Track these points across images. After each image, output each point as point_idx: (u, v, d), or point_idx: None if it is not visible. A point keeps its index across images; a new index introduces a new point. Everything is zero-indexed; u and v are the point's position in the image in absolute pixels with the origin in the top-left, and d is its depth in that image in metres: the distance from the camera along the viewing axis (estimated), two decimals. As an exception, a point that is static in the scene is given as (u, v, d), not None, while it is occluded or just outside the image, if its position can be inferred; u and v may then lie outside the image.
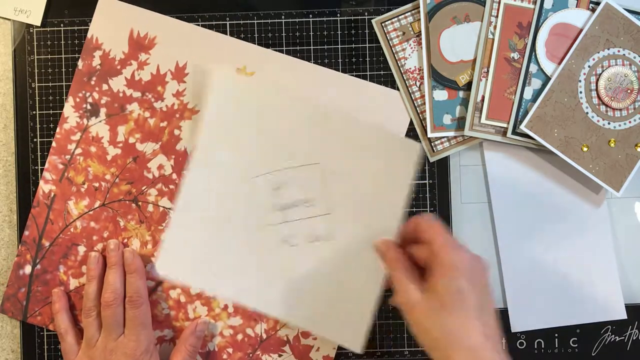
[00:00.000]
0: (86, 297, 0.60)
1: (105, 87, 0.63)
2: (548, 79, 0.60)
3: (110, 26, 0.63)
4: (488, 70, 0.61)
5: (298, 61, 0.63)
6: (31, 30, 0.64)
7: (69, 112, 0.63)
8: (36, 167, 0.64)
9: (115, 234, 0.63)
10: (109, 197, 0.63)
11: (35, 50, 0.64)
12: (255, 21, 0.64)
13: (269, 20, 0.64)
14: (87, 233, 0.63)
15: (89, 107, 0.63)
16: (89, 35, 0.64)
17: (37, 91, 0.64)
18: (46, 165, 0.63)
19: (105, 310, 0.59)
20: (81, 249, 0.63)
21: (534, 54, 0.61)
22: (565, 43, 0.61)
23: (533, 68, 0.61)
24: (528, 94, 0.61)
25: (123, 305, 0.59)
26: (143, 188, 0.63)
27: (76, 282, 0.63)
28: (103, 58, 0.63)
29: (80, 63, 0.63)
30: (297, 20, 0.64)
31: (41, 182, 0.63)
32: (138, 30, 0.63)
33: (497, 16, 0.61)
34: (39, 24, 0.64)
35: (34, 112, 0.64)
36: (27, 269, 0.63)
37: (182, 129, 0.63)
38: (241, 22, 0.64)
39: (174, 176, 0.63)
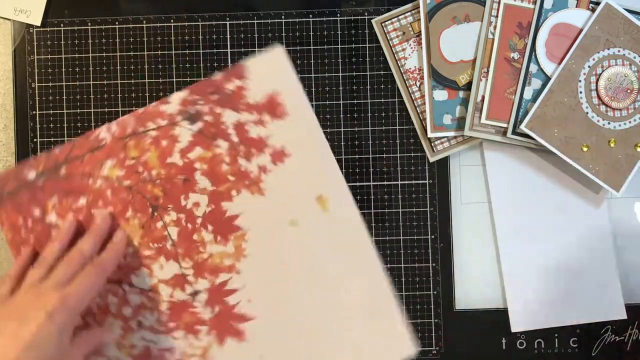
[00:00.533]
0: (47, 250, 0.57)
1: (218, 110, 0.62)
2: (548, 79, 0.60)
3: (266, 70, 0.62)
4: (488, 70, 0.61)
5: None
6: (31, 30, 0.64)
7: (174, 105, 0.62)
8: (36, 167, 0.64)
9: (120, 215, 0.62)
10: (141, 186, 0.62)
11: (35, 50, 0.64)
12: (255, 21, 0.64)
13: (269, 20, 0.64)
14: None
15: (191, 112, 0.62)
16: (247, 62, 0.62)
17: (37, 91, 0.64)
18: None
19: (61, 265, 0.55)
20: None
21: (534, 54, 0.61)
22: (565, 43, 0.61)
23: (533, 68, 0.61)
24: (528, 94, 0.61)
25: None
26: (168, 206, 0.62)
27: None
28: (238, 88, 0.62)
29: (218, 75, 0.62)
30: (297, 20, 0.64)
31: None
32: (281, 94, 0.62)
33: (497, 16, 0.61)
34: (39, 24, 0.64)
35: (34, 112, 0.64)
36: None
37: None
38: (241, 22, 0.64)
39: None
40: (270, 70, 0.62)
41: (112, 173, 0.61)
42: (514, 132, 0.61)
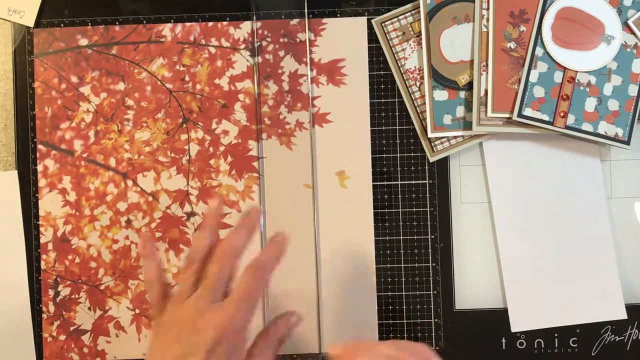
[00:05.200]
0: (194, 246, 0.49)
1: (281, 53, 0.63)
2: (554, 62, 0.60)
3: (342, 35, 0.63)
4: (487, 64, 0.61)
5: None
6: (31, 31, 0.64)
7: (243, 32, 0.63)
8: (36, 167, 0.64)
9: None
10: (181, 95, 0.63)
11: (35, 50, 0.64)
12: (255, 21, 0.64)
13: (269, 20, 0.64)
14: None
15: (256, 44, 0.63)
16: (328, 20, 0.63)
17: (37, 91, 0.64)
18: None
19: (212, 265, 0.47)
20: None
21: (540, 37, 0.60)
22: (571, 27, 0.60)
23: (539, 52, 0.61)
24: (534, 77, 0.60)
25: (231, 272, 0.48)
26: (199, 124, 0.63)
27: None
28: (308, 41, 0.63)
29: (296, 20, 0.62)
30: (297, 20, 0.64)
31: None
32: (346, 63, 0.63)
33: (488, 9, 0.61)
34: (32, 24, 0.64)
35: (34, 112, 0.64)
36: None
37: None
38: (241, 22, 0.64)
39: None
40: (346, 37, 0.62)
41: (159, 71, 0.63)
42: (519, 115, 0.60)
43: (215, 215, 0.50)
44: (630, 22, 0.61)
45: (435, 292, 0.63)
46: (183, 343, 0.45)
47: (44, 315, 0.63)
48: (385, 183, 0.63)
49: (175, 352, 0.45)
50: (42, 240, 0.64)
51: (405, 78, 0.63)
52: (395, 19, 0.63)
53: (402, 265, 0.63)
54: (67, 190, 0.63)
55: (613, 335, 0.63)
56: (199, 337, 0.45)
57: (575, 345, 0.63)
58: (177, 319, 0.47)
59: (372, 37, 0.64)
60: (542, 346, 0.63)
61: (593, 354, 0.63)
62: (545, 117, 0.60)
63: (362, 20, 0.63)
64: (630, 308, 0.62)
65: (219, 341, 0.45)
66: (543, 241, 0.63)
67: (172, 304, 0.48)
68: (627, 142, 0.60)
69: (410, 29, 0.63)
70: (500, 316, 0.63)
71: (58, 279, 0.63)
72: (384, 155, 0.64)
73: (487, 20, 0.61)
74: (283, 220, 0.63)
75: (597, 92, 0.60)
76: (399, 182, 0.64)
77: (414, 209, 0.63)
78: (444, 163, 0.64)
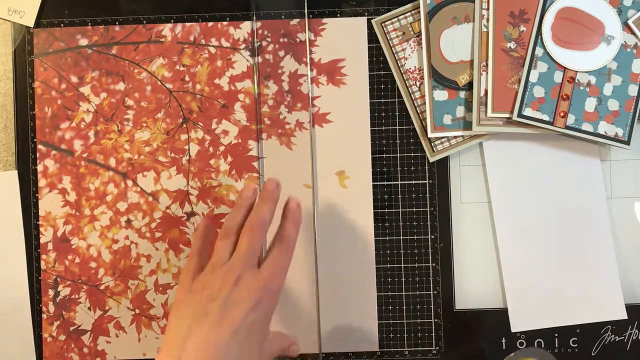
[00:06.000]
0: (229, 219, 0.54)
1: (281, 53, 0.63)
2: (554, 62, 0.60)
3: (342, 35, 0.63)
4: (487, 64, 0.61)
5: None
6: (31, 31, 0.64)
7: (243, 32, 0.63)
8: (36, 167, 0.64)
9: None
10: (181, 95, 0.63)
11: (35, 50, 0.64)
12: (256, 21, 0.64)
13: (269, 20, 0.64)
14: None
15: (255, 44, 0.63)
16: (328, 20, 0.63)
17: (37, 91, 0.64)
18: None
19: (245, 235, 0.52)
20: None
21: (540, 37, 0.60)
22: (571, 27, 0.60)
23: (539, 51, 0.61)
24: (534, 77, 0.61)
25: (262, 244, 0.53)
26: (199, 124, 0.63)
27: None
28: (308, 41, 0.63)
29: (296, 20, 0.62)
30: (297, 20, 0.64)
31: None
32: (346, 63, 0.63)
33: (488, 9, 0.61)
34: (32, 24, 0.64)
35: (34, 112, 0.64)
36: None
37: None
38: (241, 22, 0.64)
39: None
40: (346, 37, 0.62)
41: (159, 71, 0.63)
42: (519, 115, 0.60)
43: (248, 198, 0.54)
44: (630, 22, 0.61)
45: (435, 292, 0.63)
46: (221, 299, 0.49)
47: (44, 315, 0.63)
48: (385, 183, 0.63)
49: (215, 306, 0.49)
50: (42, 240, 0.64)
51: (405, 78, 0.63)
52: (395, 19, 0.63)
53: (402, 265, 0.63)
54: (67, 190, 0.63)
55: (613, 335, 0.63)
56: (239, 295, 0.50)
57: (575, 345, 0.63)
58: (215, 281, 0.51)
59: (372, 37, 0.64)
60: (542, 346, 0.63)
61: (593, 354, 0.63)
62: (545, 117, 0.60)
63: (362, 20, 0.63)
64: (630, 308, 0.62)
65: (260, 301, 0.50)
66: (543, 241, 0.63)
67: (204, 272, 0.52)
68: (627, 142, 0.60)
69: (410, 29, 0.63)
70: (500, 316, 0.63)
71: (58, 279, 0.63)
72: (384, 155, 0.64)
73: (487, 20, 0.61)
74: None
75: (597, 92, 0.60)
76: (399, 182, 0.64)
77: (414, 209, 0.63)
78: (444, 163, 0.64)
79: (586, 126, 0.60)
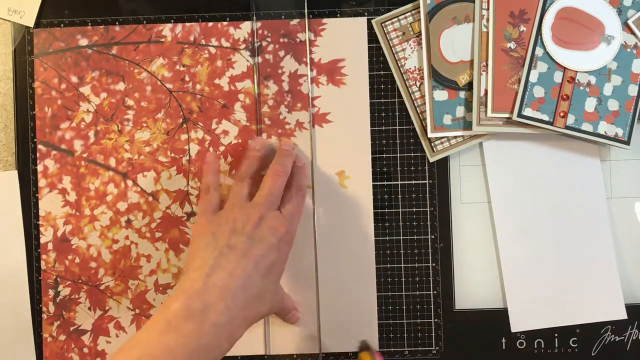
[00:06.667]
0: (244, 166, 0.59)
1: (281, 53, 0.63)
2: (554, 62, 0.60)
3: (342, 35, 0.63)
4: (487, 64, 0.61)
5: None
6: (31, 31, 0.64)
7: (243, 32, 0.64)
8: (36, 167, 0.64)
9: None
10: (181, 95, 0.63)
11: (35, 50, 0.64)
12: (256, 21, 0.64)
13: (269, 20, 0.64)
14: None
15: (255, 44, 0.63)
16: (328, 20, 0.63)
17: (37, 91, 0.64)
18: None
19: (269, 179, 0.58)
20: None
21: (540, 37, 0.60)
22: (571, 27, 0.60)
23: (539, 52, 0.61)
24: (534, 77, 0.61)
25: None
26: (199, 124, 0.63)
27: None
28: (308, 41, 0.63)
29: (296, 20, 0.63)
30: (297, 20, 0.64)
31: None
32: (346, 63, 0.64)
33: (488, 9, 0.61)
34: (32, 24, 0.64)
35: (34, 112, 0.64)
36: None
37: None
38: (241, 22, 0.64)
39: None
40: (346, 37, 0.62)
41: (159, 71, 0.63)
42: (519, 115, 0.60)
43: (259, 151, 0.59)
44: (630, 22, 0.61)
45: (435, 292, 0.63)
46: (246, 235, 0.54)
47: (44, 316, 0.63)
48: (385, 183, 0.63)
49: (240, 240, 0.54)
50: (42, 240, 0.64)
51: (405, 78, 0.63)
52: (395, 19, 0.63)
53: (402, 265, 0.63)
54: (67, 190, 0.63)
55: (613, 335, 0.63)
56: (263, 233, 0.55)
57: (575, 345, 0.63)
58: (239, 217, 0.55)
59: (372, 37, 0.64)
60: (542, 346, 0.63)
61: (593, 354, 0.63)
62: (545, 117, 0.60)
63: (362, 20, 0.63)
64: (630, 308, 0.62)
65: (281, 241, 0.55)
66: (543, 241, 0.63)
67: (228, 206, 0.57)
68: (627, 142, 0.60)
69: (410, 29, 0.63)
70: (500, 316, 0.63)
71: (58, 279, 0.63)
72: (384, 155, 0.64)
73: (487, 20, 0.61)
74: None
75: (597, 92, 0.60)
76: (399, 182, 0.64)
77: (414, 209, 0.63)
78: (444, 163, 0.64)
79: (586, 126, 0.60)
